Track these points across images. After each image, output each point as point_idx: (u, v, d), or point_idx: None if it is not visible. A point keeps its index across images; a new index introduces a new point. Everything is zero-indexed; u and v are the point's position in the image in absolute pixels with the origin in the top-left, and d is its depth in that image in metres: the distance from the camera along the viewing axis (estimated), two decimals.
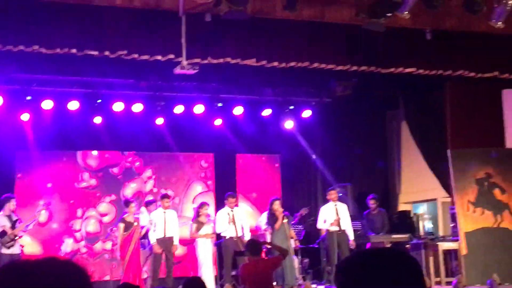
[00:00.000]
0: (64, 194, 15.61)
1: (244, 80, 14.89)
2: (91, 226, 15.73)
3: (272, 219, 13.81)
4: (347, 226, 14.06)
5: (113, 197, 15.94)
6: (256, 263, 9.11)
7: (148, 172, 16.33)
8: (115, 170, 16.11)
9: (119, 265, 13.76)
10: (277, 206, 13.79)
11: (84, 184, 15.82)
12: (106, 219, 15.83)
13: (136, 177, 16.25)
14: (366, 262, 1.82)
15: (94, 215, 15.79)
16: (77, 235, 15.59)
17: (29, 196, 15.07)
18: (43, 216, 14.65)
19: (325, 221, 14.06)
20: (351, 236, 14.01)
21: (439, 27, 12.25)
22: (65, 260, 1.80)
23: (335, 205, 14.13)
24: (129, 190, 16.12)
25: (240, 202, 16.40)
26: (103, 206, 15.88)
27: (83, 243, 15.62)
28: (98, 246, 15.64)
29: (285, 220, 13.71)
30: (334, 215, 13.97)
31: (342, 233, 13.90)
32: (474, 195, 13.83)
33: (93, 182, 15.89)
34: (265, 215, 14.39)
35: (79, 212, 15.68)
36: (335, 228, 13.88)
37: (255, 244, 9.62)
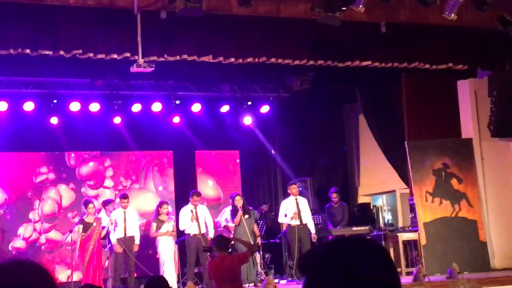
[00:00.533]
0: (22, 189, 15.38)
1: (201, 77, 14.87)
2: (48, 207, 15.47)
3: (234, 215, 13.84)
4: (308, 220, 14.11)
5: (72, 185, 15.80)
6: (222, 259, 9.12)
7: (107, 162, 16.19)
8: (72, 162, 15.94)
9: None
10: (237, 201, 13.82)
11: (42, 177, 15.61)
12: (64, 202, 15.62)
13: (94, 159, 16.14)
14: (336, 250, 1.77)
15: (52, 197, 15.56)
16: (37, 226, 15.38)
17: None
18: None
19: (286, 215, 14.09)
20: (312, 229, 14.05)
21: (393, 20, 12.36)
22: (30, 263, 1.79)
23: (296, 199, 14.16)
24: (86, 168, 15.94)
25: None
26: (62, 188, 15.69)
27: (43, 236, 15.38)
28: (57, 236, 15.39)
29: (246, 216, 13.74)
30: (295, 209, 14.02)
31: (303, 227, 13.94)
32: (432, 185, 14.00)
33: (51, 176, 15.68)
34: (227, 210, 14.41)
35: (37, 204, 15.47)
36: (296, 222, 13.92)
37: (222, 240, 9.63)
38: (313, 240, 13.97)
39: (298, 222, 13.91)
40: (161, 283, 5.54)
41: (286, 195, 14.72)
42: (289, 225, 14.02)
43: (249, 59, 12.35)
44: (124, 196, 13.96)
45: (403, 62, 13.28)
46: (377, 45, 13.00)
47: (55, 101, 14.51)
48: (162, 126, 15.75)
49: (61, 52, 11.09)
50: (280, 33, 12.39)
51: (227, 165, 17.19)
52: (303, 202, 14.24)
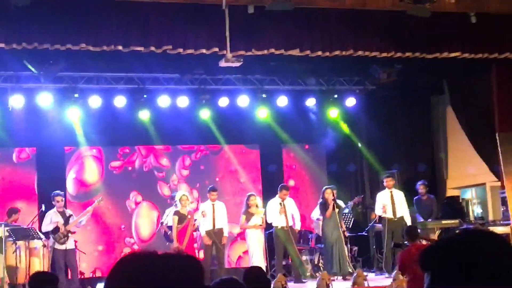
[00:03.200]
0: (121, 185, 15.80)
1: (287, 70, 14.90)
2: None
3: (323, 207, 13.85)
4: (405, 213, 14.09)
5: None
6: (414, 247, 9.49)
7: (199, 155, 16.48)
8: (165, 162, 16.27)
9: None
10: (327, 194, 13.85)
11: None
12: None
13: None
14: (465, 244, 1.76)
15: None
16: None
17: (81, 192, 15.31)
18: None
19: (382, 208, 14.11)
20: (408, 222, 13.94)
21: (483, 10, 12.15)
22: (184, 255, 1.87)
23: (391, 191, 14.16)
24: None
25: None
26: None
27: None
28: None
29: (337, 209, 13.74)
30: (389, 202, 14.02)
31: (397, 220, 13.91)
32: None
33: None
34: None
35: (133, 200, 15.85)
36: (389, 215, 13.93)
37: (412, 230, 10.08)
38: None
39: (391, 215, 13.91)
40: (260, 274, 5.61)
41: (373, 188, 14.65)
42: (380, 217, 14.02)
43: (336, 52, 12.31)
44: (213, 189, 14.10)
45: (494, 53, 13.02)
46: (466, 36, 12.77)
47: (145, 95, 14.78)
48: (249, 120, 15.83)
49: (152, 48, 11.32)
50: (367, 26, 12.31)
51: (313, 158, 17.16)
52: (398, 195, 14.21)
